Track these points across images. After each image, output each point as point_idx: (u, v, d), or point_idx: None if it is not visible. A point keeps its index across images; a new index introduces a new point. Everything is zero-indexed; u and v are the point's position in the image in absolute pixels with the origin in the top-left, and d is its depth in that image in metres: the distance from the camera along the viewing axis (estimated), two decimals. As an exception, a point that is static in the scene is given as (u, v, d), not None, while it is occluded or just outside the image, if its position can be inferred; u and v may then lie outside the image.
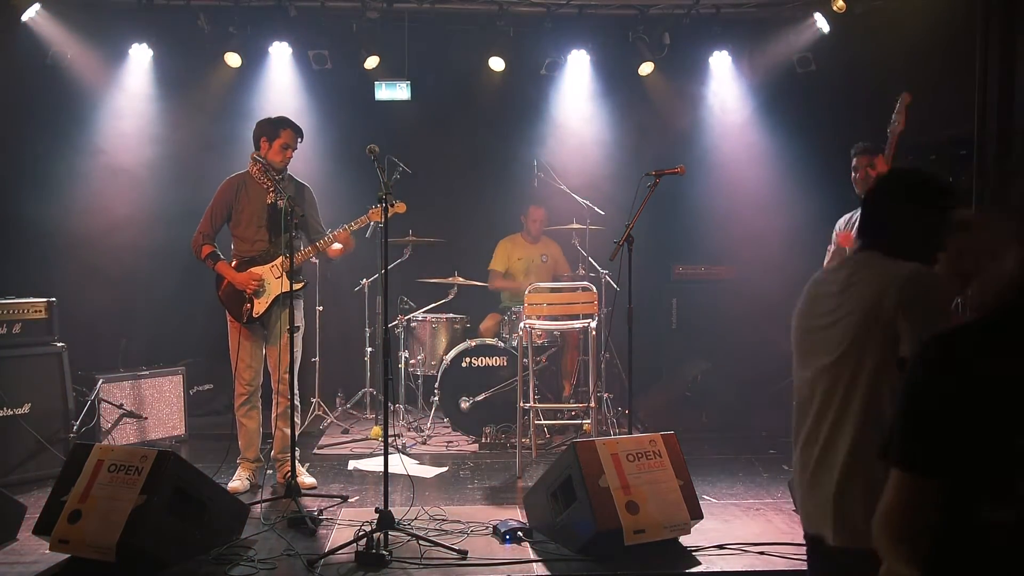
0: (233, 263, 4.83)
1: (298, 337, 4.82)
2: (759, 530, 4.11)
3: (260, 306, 4.79)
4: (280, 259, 4.79)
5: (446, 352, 6.14)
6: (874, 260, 2.19)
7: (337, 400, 6.77)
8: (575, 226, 6.43)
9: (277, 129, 4.79)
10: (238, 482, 4.79)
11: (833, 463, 2.13)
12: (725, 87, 7.10)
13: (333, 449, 5.84)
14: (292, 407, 4.74)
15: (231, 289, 4.80)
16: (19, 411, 4.97)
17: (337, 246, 4.88)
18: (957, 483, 1.39)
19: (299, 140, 4.86)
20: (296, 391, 4.89)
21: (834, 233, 4.75)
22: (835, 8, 6.25)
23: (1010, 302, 1.37)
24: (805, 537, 2.28)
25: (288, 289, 4.65)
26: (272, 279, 4.81)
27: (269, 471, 4.98)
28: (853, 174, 4.65)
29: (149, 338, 6.56)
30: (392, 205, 4.26)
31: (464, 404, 5.96)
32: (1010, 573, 1.34)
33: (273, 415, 4.90)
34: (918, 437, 1.42)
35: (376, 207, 4.75)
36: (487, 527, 4.11)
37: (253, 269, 4.80)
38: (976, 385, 1.35)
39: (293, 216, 4.48)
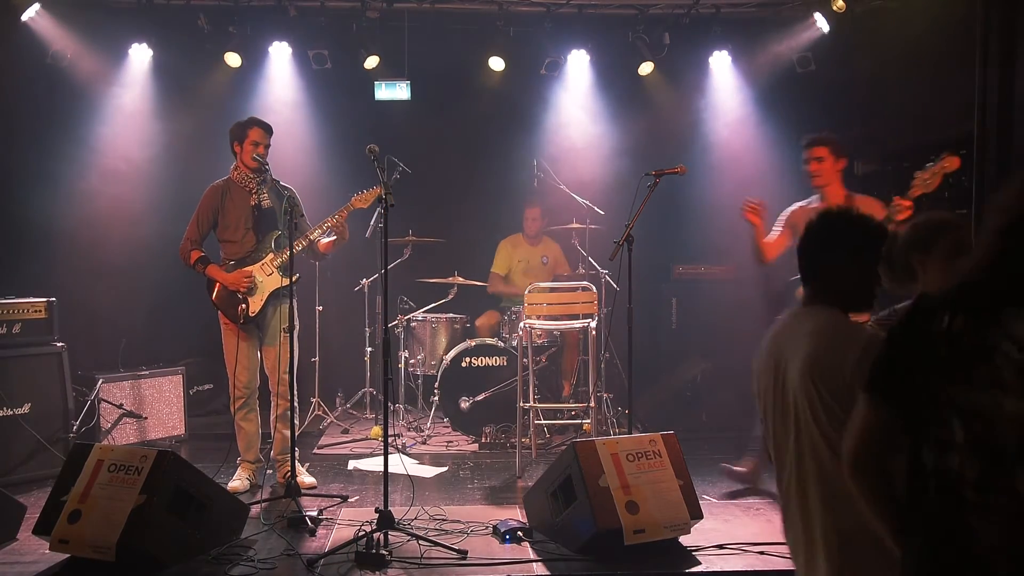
0: (231, 263, 4.84)
1: (293, 336, 4.83)
2: (759, 530, 4.11)
3: (255, 305, 4.79)
4: (270, 256, 4.81)
5: (446, 352, 6.14)
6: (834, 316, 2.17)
7: (337, 400, 6.77)
8: (575, 226, 6.43)
9: (245, 130, 4.84)
10: (238, 482, 4.79)
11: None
12: (725, 87, 7.09)
13: (333, 449, 5.84)
14: (292, 408, 4.74)
15: (224, 291, 4.80)
16: (19, 411, 4.97)
17: (327, 240, 4.88)
18: (911, 430, 1.58)
19: (269, 136, 4.89)
20: (295, 391, 4.89)
21: (783, 218, 4.70)
22: (835, 8, 6.25)
23: (976, 277, 1.55)
24: None
25: (282, 284, 4.68)
26: (264, 277, 4.81)
27: (269, 471, 4.98)
28: (804, 166, 4.61)
29: (149, 338, 6.55)
30: (392, 205, 4.25)
31: (464, 404, 5.96)
32: (939, 515, 1.49)
33: (272, 416, 4.90)
34: (882, 370, 1.64)
35: (359, 194, 4.78)
36: (487, 527, 4.11)
37: (243, 269, 4.81)
38: (929, 337, 1.54)
39: (293, 216, 4.48)
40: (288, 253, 4.63)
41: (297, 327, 4.88)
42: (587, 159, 7.15)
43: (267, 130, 4.89)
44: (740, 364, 6.27)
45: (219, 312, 4.85)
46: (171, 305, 6.62)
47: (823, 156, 4.59)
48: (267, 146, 4.87)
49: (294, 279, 4.74)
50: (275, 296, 4.81)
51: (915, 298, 1.63)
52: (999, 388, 1.41)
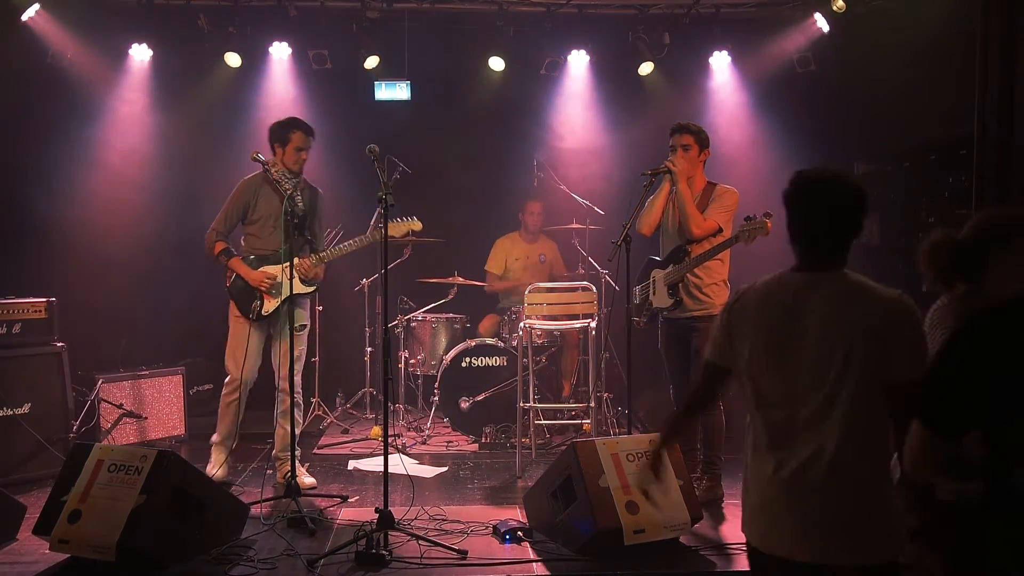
0: (251, 257, 4.84)
1: (303, 335, 4.85)
2: (759, 530, 4.10)
3: (270, 305, 4.80)
4: (295, 261, 4.80)
5: (446, 352, 6.14)
6: (846, 280, 2.19)
7: (337, 400, 6.77)
8: (575, 226, 6.44)
9: (288, 133, 4.81)
10: (218, 469, 4.78)
11: (846, 485, 2.11)
12: (725, 87, 7.09)
13: (333, 449, 5.85)
14: (293, 406, 4.74)
15: (241, 283, 4.79)
16: (19, 411, 4.97)
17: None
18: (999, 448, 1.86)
19: (311, 139, 4.88)
20: (300, 390, 4.89)
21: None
22: (835, 8, 6.25)
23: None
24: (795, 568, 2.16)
25: (300, 292, 4.73)
26: (285, 280, 4.81)
27: (269, 471, 4.98)
28: (671, 154, 4.59)
29: (149, 338, 6.55)
30: (392, 205, 4.25)
31: (464, 404, 5.96)
32: None
33: (276, 412, 4.90)
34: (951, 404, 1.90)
35: (399, 220, 4.87)
36: (487, 527, 4.11)
37: (266, 268, 4.81)
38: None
39: (293, 216, 4.48)
40: (308, 268, 4.76)
41: (308, 326, 4.91)
42: (587, 159, 7.15)
43: (310, 134, 4.87)
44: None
45: (231, 302, 4.85)
46: (171, 305, 6.62)
47: (689, 144, 4.58)
48: (309, 150, 4.87)
49: (312, 289, 4.81)
50: (292, 299, 4.80)
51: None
52: None
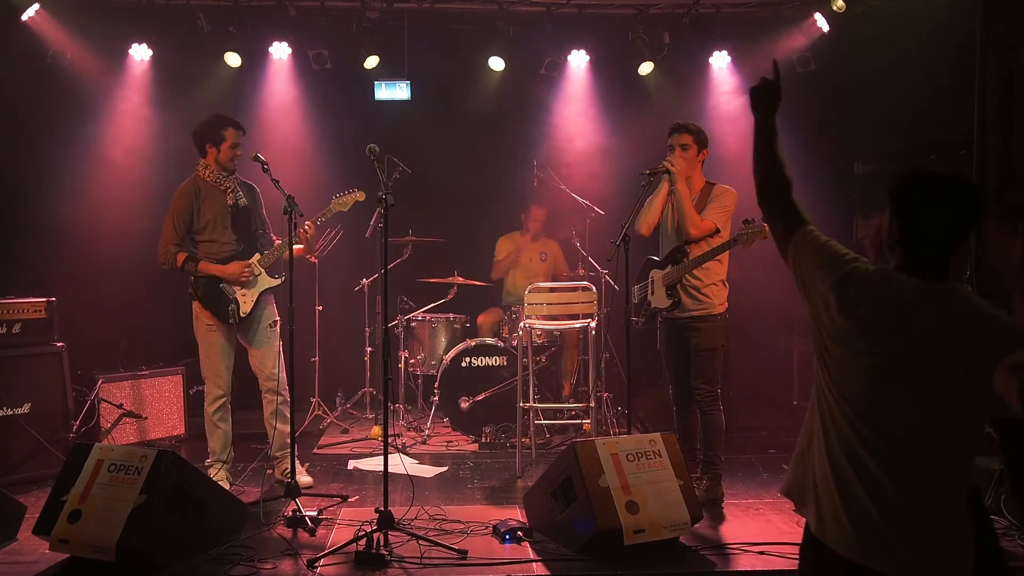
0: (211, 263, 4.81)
1: (276, 330, 4.85)
2: (759, 530, 4.11)
3: (246, 304, 4.79)
4: (256, 257, 4.83)
5: (446, 352, 6.14)
6: (959, 294, 2.05)
7: (337, 400, 6.77)
8: (575, 226, 6.44)
9: (221, 131, 4.77)
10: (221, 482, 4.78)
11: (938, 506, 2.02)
12: (725, 87, 7.09)
13: (333, 449, 5.85)
14: (286, 403, 4.75)
15: (212, 290, 4.76)
16: (19, 411, 4.97)
17: (297, 247, 4.86)
18: None
19: (243, 135, 4.84)
20: (286, 387, 4.88)
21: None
22: (835, 8, 6.25)
23: None
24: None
25: (271, 284, 4.82)
26: (253, 276, 4.82)
27: (269, 471, 4.98)
28: (669, 154, 4.56)
29: (149, 338, 6.55)
30: (392, 205, 4.26)
31: (464, 404, 5.96)
32: None
33: (267, 414, 4.89)
34: None
35: (339, 196, 4.86)
36: (487, 527, 4.11)
37: (238, 261, 4.81)
38: None
39: (294, 214, 4.48)
40: (279, 252, 4.71)
41: (278, 322, 4.91)
42: (587, 159, 7.16)
43: (242, 131, 4.84)
44: (739, 363, 6.29)
45: (206, 312, 4.78)
46: (171, 305, 6.57)
47: (688, 144, 4.56)
48: (241, 146, 4.83)
49: (280, 281, 4.77)
50: (264, 295, 4.85)
51: None
52: None
